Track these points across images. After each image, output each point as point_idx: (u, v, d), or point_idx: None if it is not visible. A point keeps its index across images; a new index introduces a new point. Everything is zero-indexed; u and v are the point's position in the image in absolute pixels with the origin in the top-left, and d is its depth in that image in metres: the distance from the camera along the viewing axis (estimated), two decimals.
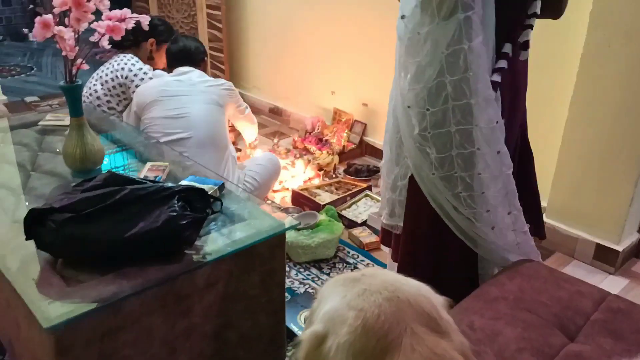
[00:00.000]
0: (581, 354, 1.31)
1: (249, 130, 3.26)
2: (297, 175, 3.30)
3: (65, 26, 1.72)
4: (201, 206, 1.60)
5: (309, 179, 3.29)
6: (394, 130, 1.87)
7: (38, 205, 1.47)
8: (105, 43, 1.82)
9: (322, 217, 2.63)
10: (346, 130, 3.68)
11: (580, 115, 2.44)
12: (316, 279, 2.39)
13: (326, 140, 3.68)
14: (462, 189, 1.75)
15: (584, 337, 1.39)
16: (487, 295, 1.54)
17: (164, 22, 3.26)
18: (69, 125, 1.88)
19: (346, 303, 0.87)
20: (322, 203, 2.87)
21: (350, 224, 2.81)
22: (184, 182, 1.81)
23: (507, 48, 1.69)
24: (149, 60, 3.15)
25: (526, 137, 1.97)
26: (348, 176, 3.35)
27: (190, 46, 2.89)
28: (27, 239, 1.44)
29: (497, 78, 1.69)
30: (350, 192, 3.07)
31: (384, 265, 2.41)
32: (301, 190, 3.06)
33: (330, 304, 0.89)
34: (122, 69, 2.92)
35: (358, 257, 2.57)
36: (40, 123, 2.36)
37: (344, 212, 2.88)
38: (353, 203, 3.00)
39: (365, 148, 3.69)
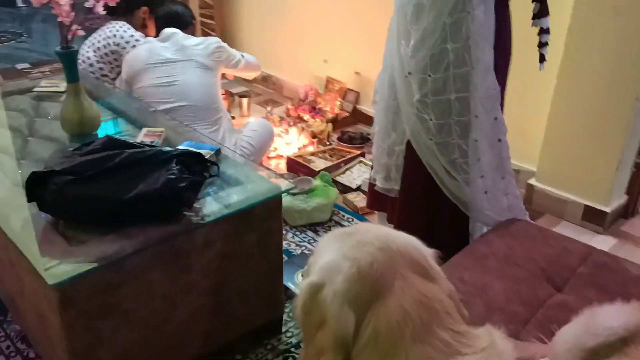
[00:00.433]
0: (567, 303, 1.38)
1: (251, 75, 3.24)
2: (291, 142, 3.33)
3: None
4: (198, 169, 1.63)
5: (303, 146, 3.32)
6: (390, 97, 1.91)
7: (38, 169, 1.50)
8: (100, 9, 1.82)
9: (316, 182, 2.67)
10: (339, 99, 3.69)
11: (568, 84, 2.48)
12: (312, 241, 2.44)
13: (319, 109, 3.69)
14: (458, 155, 1.80)
15: (569, 289, 1.46)
16: (477, 252, 1.59)
17: None
18: (66, 90, 1.90)
19: (341, 254, 0.91)
20: (317, 169, 2.90)
21: (344, 189, 2.86)
22: (180, 147, 1.83)
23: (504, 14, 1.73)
24: (142, 28, 3.13)
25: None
26: (341, 143, 3.38)
27: (177, 10, 2.93)
28: (29, 201, 1.48)
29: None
30: (344, 159, 3.11)
31: None
32: (296, 157, 3.09)
33: (326, 256, 0.93)
34: (114, 35, 2.92)
35: (353, 220, 2.62)
36: (35, 89, 2.37)
37: (338, 178, 2.93)
38: (347, 169, 3.04)
39: (358, 116, 3.71)
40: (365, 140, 3.40)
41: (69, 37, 1.80)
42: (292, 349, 1.87)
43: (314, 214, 2.54)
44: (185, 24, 2.90)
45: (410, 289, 0.85)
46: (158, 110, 2.49)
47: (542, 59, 1.89)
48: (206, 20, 4.42)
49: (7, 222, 1.53)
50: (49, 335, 1.53)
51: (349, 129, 3.57)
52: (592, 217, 2.58)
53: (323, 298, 0.87)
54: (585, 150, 2.52)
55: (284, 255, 2.03)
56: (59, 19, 1.73)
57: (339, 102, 3.67)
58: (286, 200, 2.49)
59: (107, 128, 2.14)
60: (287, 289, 2.03)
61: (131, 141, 1.69)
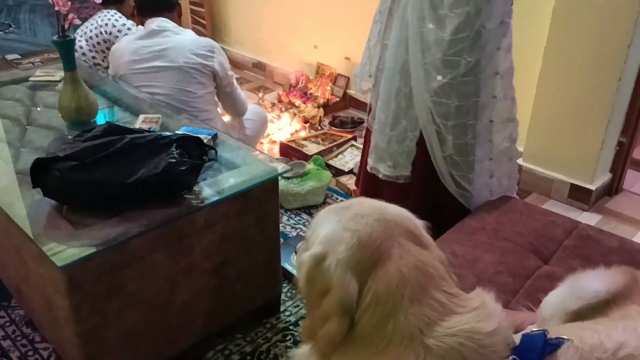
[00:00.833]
0: (553, 273, 1.45)
1: (233, 111, 2.82)
2: (283, 128, 3.38)
3: None
4: (197, 153, 1.68)
5: (296, 131, 3.37)
6: (402, 84, 1.91)
7: (38, 157, 1.53)
8: None
9: (310, 166, 2.73)
10: (330, 84, 3.74)
11: (554, 65, 2.54)
12: (307, 223, 2.50)
13: (310, 94, 3.74)
14: (471, 137, 1.83)
15: (556, 261, 1.53)
16: (468, 227, 1.66)
17: None
18: (64, 79, 1.93)
19: (341, 226, 0.97)
20: (310, 153, 2.96)
21: (337, 172, 2.91)
22: (179, 132, 1.87)
23: None
24: (133, 16, 3.15)
25: None
26: (333, 128, 3.43)
27: None
28: (33, 187, 1.52)
29: None
30: (336, 143, 3.16)
31: None
32: (289, 142, 3.14)
33: (326, 229, 0.99)
34: (106, 24, 2.94)
35: None
36: (30, 79, 2.40)
37: (330, 162, 2.98)
38: (339, 153, 3.10)
39: (349, 100, 3.76)
40: (356, 124, 3.46)
41: (66, 26, 1.83)
42: (291, 327, 1.94)
43: (308, 197, 2.59)
44: (171, 7, 2.66)
45: (407, 255, 0.91)
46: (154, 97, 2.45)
47: None
48: (196, 8, 4.42)
49: (11, 209, 1.57)
50: (56, 319, 1.58)
51: (340, 114, 3.62)
52: (578, 195, 2.66)
53: (327, 267, 0.92)
54: (571, 130, 2.59)
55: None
56: (56, 8, 1.76)
57: (329, 87, 3.71)
58: (281, 184, 2.54)
59: (103, 116, 2.17)
60: (283, 269, 2.08)
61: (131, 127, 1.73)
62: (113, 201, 1.53)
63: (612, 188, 2.75)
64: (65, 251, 1.39)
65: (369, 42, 2.11)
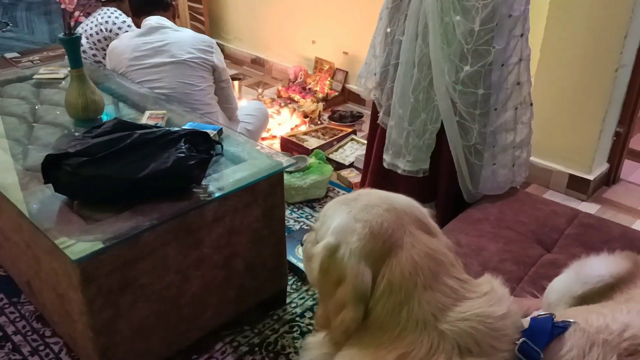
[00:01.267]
0: (556, 261, 1.48)
1: (227, 107, 2.80)
2: (283, 122, 3.40)
3: None
4: (205, 148, 1.71)
5: (296, 126, 3.39)
6: (420, 77, 1.91)
7: (48, 153, 1.55)
8: None
9: (311, 160, 2.76)
10: (328, 79, 3.76)
11: (551, 57, 2.57)
12: (309, 217, 2.53)
13: (309, 89, 3.76)
14: (498, 124, 1.85)
15: (558, 249, 1.56)
16: (471, 217, 1.69)
17: None
18: (70, 76, 1.95)
19: (352, 217, 0.99)
20: (311, 148, 2.98)
21: (338, 166, 2.94)
22: (186, 128, 1.90)
23: None
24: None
25: None
26: (333, 122, 3.46)
27: None
28: (45, 182, 1.54)
29: None
30: (336, 137, 3.19)
31: None
32: (289, 136, 3.17)
33: (337, 220, 1.01)
34: (107, 22, 2.95)
35: None
36: (35, 76, 2.41)
37: (331, 156, 3.01)
38: (339, 147, 3.13)
39: (348, 95, 3.79)
40: (355, 118, 3.48)
41: (72, 23, 1.85)
42: (297, 319, 1.97)
43: (310, 191, 2.62)
44: (166, 5, 2.68)
45: (418, 244, 0.94)
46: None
47: None
48: (194, 5, 4.43)
49: (24, 205, 1.59)
50: (69, 313, 1.60)
51: (339, 108, 3.65)
52: (576, 185, 2.69)
53: (340, 257, 0.95)
54: (568, 121, 2.63)
55: None
56: (62, 6, 1.78)
57: (328, 82, 3.74)
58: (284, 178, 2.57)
59: (109, 112, 2.19)
60: (288, 262, 2.11)
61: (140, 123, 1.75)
62: (124, 196, 1.55)
63: (610, 178, 2.79)
64: (79, 245, 1.41)
65: (373, 40, 2.11)
